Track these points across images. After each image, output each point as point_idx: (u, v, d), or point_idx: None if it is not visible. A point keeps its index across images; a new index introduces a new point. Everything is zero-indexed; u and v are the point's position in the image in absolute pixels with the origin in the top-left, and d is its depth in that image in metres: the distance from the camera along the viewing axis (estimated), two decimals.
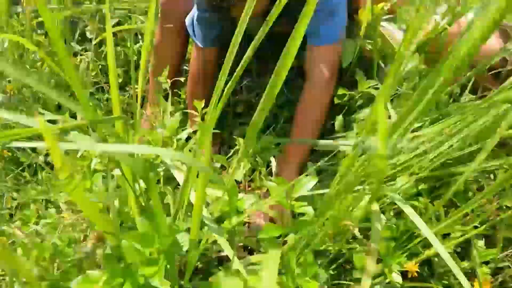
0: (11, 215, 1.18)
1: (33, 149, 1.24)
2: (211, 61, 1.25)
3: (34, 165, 1.23)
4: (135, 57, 1.42)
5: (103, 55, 1.44)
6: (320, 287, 0.70)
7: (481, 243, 0.76)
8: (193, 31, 1.22)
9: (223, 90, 0.59)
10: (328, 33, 1.10)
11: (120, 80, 1.41)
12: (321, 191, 0.79)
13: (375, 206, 0.67)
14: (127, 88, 1.42)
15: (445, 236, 0.74)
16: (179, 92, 1.36)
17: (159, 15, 1.28)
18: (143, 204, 0.75)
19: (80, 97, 0.57)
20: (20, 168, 1.21)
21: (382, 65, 1.14)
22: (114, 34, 1.48)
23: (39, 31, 1.54)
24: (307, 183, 0.79)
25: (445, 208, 0.79)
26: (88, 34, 1.44)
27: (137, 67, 1.42)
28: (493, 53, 0.88)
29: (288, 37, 0.52)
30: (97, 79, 1.41)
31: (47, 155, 1.23)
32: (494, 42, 0.97)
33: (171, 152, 0.61)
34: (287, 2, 0.51)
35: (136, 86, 0.85)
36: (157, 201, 0.64)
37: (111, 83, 0.71)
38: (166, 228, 0.67)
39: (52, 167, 1.19)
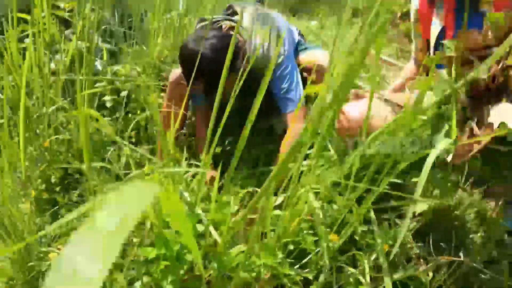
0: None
1: (66, 190, 1.73)
2: (200, 113, 1.95)
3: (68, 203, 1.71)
4: (144, 122, 1.98)
5: (118, 120, 1.99)
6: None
7: None
8: None
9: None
10: (291, 104, 1.75)
11: (133, 140, 1.95)
12: None
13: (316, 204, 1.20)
14: (140, 146, 1.95)
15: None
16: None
17: (168, 88, 1.87)
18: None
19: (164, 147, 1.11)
20: (56, 207, 1.69)
21: None
22: (126, 103, 2.04)
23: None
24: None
25: None
26: (107, 104, 2.01)
27: (145, 129, 1.98)
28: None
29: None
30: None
31: (79, 195, 1.72)
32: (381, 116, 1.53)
33: (202, 169, 1.14)
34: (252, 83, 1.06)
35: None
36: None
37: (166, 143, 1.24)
38: (192, 216, 1.18)
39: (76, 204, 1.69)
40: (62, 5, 2.40)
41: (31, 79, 1.84)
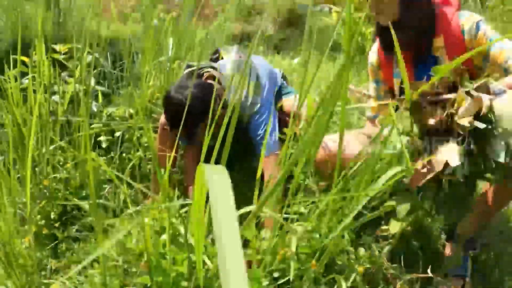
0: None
1: (65, 225, 1.88)
2: (188, 153, 2.11)
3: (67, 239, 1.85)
4: (137, 162, 2.14)
5: (113, 160, 2.16)
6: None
7: None
8: None
9: None
10: (266, 149, 1.90)
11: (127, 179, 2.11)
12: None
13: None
14: (133, 185, 2.11)
15: None
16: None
17: (159, 130, 2.05)
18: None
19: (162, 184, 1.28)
20: (56, 242, 1.83)
21: None
22: (120, 143, 2.22)
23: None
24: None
25: None
26: (102, 144, 2.18)
27: (139, 168, 2.14)
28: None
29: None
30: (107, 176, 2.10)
31: (77, 230, 1.86)
32: (355, 148, 1.61)
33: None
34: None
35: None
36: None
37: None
38: (185, 248, 1.34)
39: (75, 239, 1.83)
40: (57, 48, 2.58)
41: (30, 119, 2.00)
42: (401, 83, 1.78)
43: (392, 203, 1.36)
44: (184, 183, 2.13)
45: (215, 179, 0.57)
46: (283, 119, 2.12)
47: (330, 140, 1.72)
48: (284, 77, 2.39)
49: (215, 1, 7.35)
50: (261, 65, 2.18)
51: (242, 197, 2.12)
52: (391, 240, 1.43)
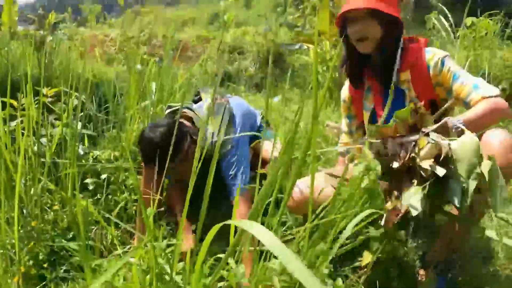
0: None
1: (53, 266, 1.96)
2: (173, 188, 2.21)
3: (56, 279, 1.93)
4: (123, 203, 2.25)
5: (99, 202, 2.26)
6: None
7: None
8: None
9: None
10: (236, 190, 2.03)
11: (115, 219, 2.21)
12: None
13: None
14: (120, 225, 2.21)
15: None
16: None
17: (143, 170, 2.17)
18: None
19: (148, 225, 1.40)
20: (44, 282, 1.91)
21: None
22: (107, 185, 2.32)
23: None
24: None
25: None
26: (89, 186, 2.29)
27: (125, 209, 2.24)
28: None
29: None
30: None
31: (65, 271, 1.95)
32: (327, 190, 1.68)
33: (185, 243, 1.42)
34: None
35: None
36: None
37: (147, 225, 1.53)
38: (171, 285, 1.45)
39: (63, 279, 1.92)
40: (44, 91, 2.69)
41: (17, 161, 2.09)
42: (371, 117, 1.92)
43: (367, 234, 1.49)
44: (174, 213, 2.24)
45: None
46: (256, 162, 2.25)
47: (302, 184, 1.83)
48: (263, 119, 2.51)
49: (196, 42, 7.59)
50: (238, 104, 2.30)
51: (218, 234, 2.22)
52: (366, 269, 1.56)
